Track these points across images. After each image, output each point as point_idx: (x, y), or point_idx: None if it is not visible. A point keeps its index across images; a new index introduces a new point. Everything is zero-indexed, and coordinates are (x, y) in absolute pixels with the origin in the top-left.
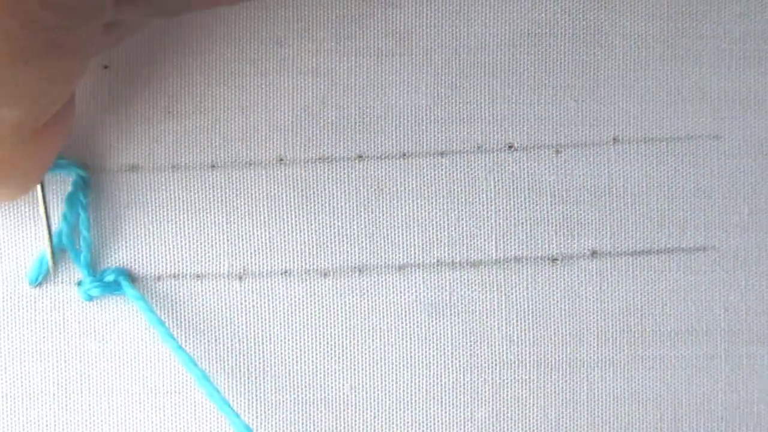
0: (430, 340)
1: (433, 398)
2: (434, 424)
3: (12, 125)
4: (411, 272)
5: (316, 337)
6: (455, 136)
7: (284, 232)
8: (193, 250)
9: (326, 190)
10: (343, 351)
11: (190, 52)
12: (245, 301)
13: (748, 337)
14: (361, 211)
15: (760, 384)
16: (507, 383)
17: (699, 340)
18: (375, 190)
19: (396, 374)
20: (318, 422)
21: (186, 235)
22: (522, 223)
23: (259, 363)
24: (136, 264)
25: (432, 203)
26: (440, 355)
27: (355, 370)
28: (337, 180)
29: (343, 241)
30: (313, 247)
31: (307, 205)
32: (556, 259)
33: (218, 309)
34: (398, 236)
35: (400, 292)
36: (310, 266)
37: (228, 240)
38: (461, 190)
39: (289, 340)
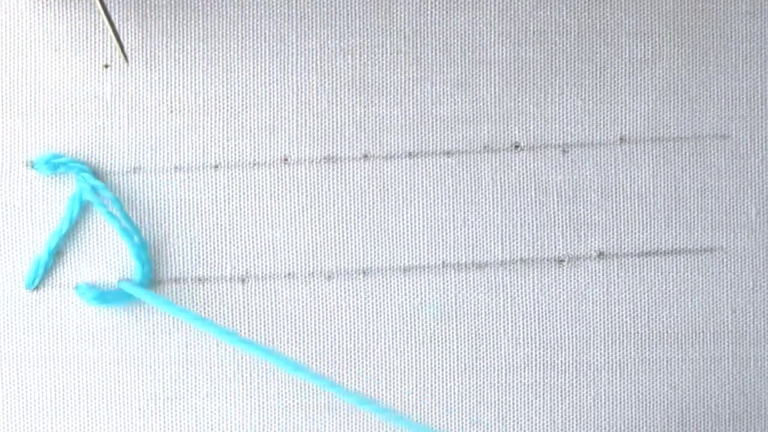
0: (435, 343)
1: (439, 401)
2: (440, 426)
3: None
4: (416, 274)
5: (320, 340)
6: (461, 135)
7: (288, 234)
8: (195, 253)
9: (331, 190)
10: (347, 354)
11: (192, 51)
12: (248, 304)
13: (755, 338)
14: (365, 212)
15: (767, 386)
16: (513, 385)
17: (706, 342)
18: (380, 190)
19: (401, 377)
20: (322, 426)
21: (188, 237)
22: (528, 224)
23: (263, 367)
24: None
25: (438, 203)
26: (446, 358)
27: (359, 373)
28: (342, 180)
29: (347, 242)
30: (317, 248)
31: (311, 206)
32: (563, 261)
33: (221, 313)
34: (403, 237)
35: (406, 295)
36: (314, 268)
37: (231, 242)
38: (467, 190)
39: (292, 343)
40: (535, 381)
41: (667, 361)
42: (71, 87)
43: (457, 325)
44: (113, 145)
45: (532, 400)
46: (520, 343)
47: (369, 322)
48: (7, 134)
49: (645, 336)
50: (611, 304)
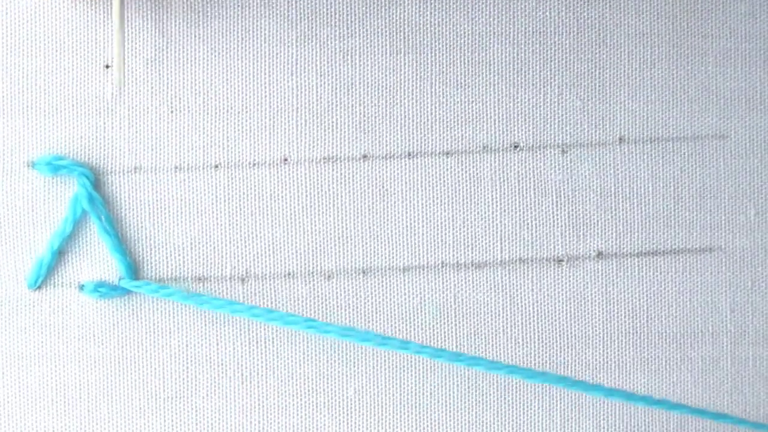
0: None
1: (439, 400)
2: (440, 426)
3: None
4: (415, 274)
5: (319, 339)
6: (460, 135)
7: (288, 234)
8: (195, 252)
9: (331, 190)
10: (347, 353)
11: (192, 51)
12: (248, 303)
13: (754, 338)
14: (365, 212)
15: (766, 386)
16: (512, 385)
17: (705, 342)
18: (380, 190)
19: (400, 377)
20: (322, 425)
21: (188, 236)
22: (527, 224)
23: (263, 366)
24: (137, 266)
25: (437, 203)
26: None
27: (359, 372)
28: (342, 180)
29: (347, 242)
30: (316, 248)
31: (311, 206)
32: (562, 260)
33: (220, 313)
34: (403, 237)
35: (405, 294)
36: (313, 268)
37: (231, 241)
38: (466, 190)
39: (292, 342)
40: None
41: (666, 361)
42: (71, 87)
43: (456, 325)
44: (113, 145)
45: (531, 400)
46: (519, 342)
47: (368, 322)
48: (8, 134)
49: (644, 336)
50: (610, 304)
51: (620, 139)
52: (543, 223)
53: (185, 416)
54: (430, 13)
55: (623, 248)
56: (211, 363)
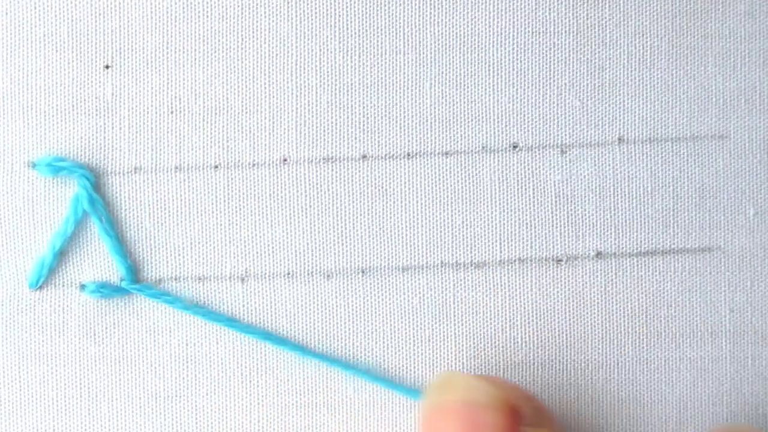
0: (434, 342)
1: None
2: None
3: None
4: (415, 274)
5: (319, 339)
6: (460, 135)
7: (287, 234)
8: (195, 252)
9: (330, 190)
10: (346, 353)
11: (192, 52)
12: (248, 303)
13: (753, 338)
14: (364, 212)
15: (765, 385)
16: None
17: (704, 341)
18: (379, 190)
19: (400, 377)
20: (323, 425)
21: (188, 236)
22: (526, 224)
23: (262, 366)
24: (137, 266)
25: (436, 203)
26: (444, 357)
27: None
28: (341, 180)
29: (346, 242)
30: (316, 248)
31: (310, 206)
32: (561, 260)
33: (220, 311)
34: (402, 237)
35: (404, 294)
36: (313, 268)
37: (230, 241)
38: (466, 190)
39: (292, 342)
40: (534, 380)
41: (665, 361)
42: (71, 87)
43: (455, 325)
44: (113, 145)
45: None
46: (518, 342)
47: (368, 322)
48: (8, 134)
49: (643, 335)
50: (609, 304)
51: (619, 139)
52: (542, 223)
53: (185, 416)
54: (431, 12)
55: (622, 248)
56: (211, 363)
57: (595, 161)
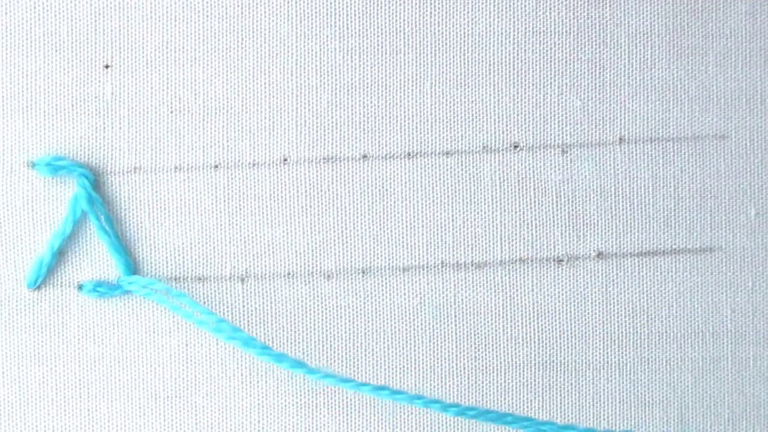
0: (434, 343)
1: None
2: (439, 426)
3: None
4: (415, 274)
5: (319, 339)
6: (460, 135)
7: (287, 234)
8: (195, 252)
9: (330, 190)
10: (346, 354)
11: (192, 51)
12: (247, 303)
13: (754, 338)
14: (365, 212)
15: (766, 386)
16: (512, 385)
17: (705, 342)
18: (379, 190)
19: (400, 377)
20: (323, 426)
21: (188, 237)
22: (527, 224)
23: (262, 366)
24: (137, 266)
25: (437, 203)
26: (445, 357)
27: (359, 372)
28: (342, 180)
29: (346, 242)
30: (316, 248)
31: (310, 206)
32: (562, 260)
33: (220, 312)
34: (402, 237)
35: (405, 294)
36: (313, 268)
37: (230, 242)
38: (466, 190)
39: (292, 343)
40: (535, 381)
41: (666, 361)
42: (71, 87)
43: (456, 325)
44: (113, 145)
45: (531, 400)
46: (519, 342)
47: (368, 322)
48: (8, 134)
49: (644, 336)
50: (610, 304)
51: (620, 139)
52: (543, 223)
53: (185, 416)
54: (431, 12)
55: (623, 248)
56: (211, 363)
57: (596, 161)
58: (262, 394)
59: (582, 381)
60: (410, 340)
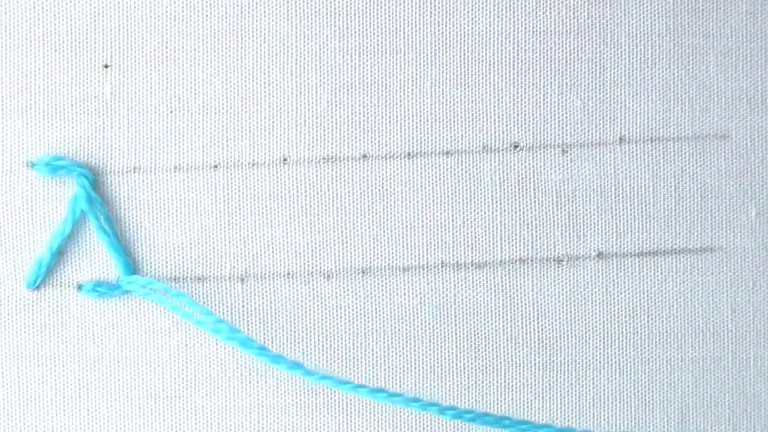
0: (434, 343)
1: (439, 401)
2: (439, 427)
3: None
4: (415, 274)
5: (319, 340)
6: (460, 135)
7: (287, 234)
8: (194, 252)
9: (330, 190)
10: (346, 354)
11: (192, 51)
12: (247, 303)
13: (755, 338)
14: (365, 212)
15: (767, 386)
16: (512, 385)
17: (706, 342)
18: (379, 190)
19: (400, 377)
20: (322, 425)
21: (188, 236)
22: (527, 224)
23: (262, 366)
24: (136, 266)
25: (437, 203)
26: (445, 358)
27: (358, 373)
28: (341, 180)
29: (346, 242)
30: (316, 248)
31: (310, 206)
32: (562, 260)
33: (220, 312)
34: (402, 237)
35: (405, 294)
36: (313, 268)
37: (230, 241)
38: (466, 190)
39: (291, 343)
40: (535, 381)
41: (666, 361)
42: (71, 87)
43: (456, 325)
44: (113, 144)
45: (531, 400)
46: (519, 342)
47: (368, 322)
48: (7, 134)
49: (644, 336)
50: (610, 304)
51: (621, 138)
52: (543, 223)
53: (185, 416)
54: (431, 12)
55: (623, 248)
56: (210, 363)
57: (596, 161)
58: (261, 394)
59: (582, 381)
60: (410, 340)
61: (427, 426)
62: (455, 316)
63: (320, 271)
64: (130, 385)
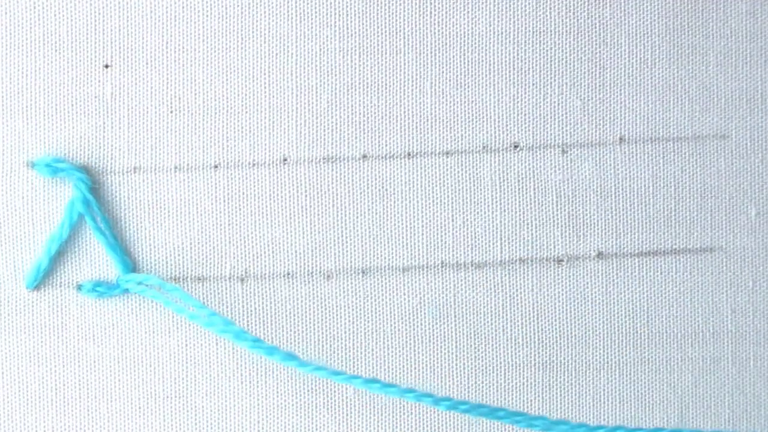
0: (434, 343)
1: None
2: (439, 427)
3: None
4: (415, 274)
5: (318, 340)
6: (460, 135)
7: (287, 234)
8: (194, 252)
9: (330, 190)
10: (346, 354)
11: (192, 51)
12: (247, 303)
13: (755, 338)
14: (365, 212)
15: (767, 386)
16: (512, 385)
17: (705, 342)
18: (379, 190)
19: (400, 377)
20: (322, 425)
21: (188, 237)
22: (527, 224)
23: (262, 366)
24: (136, 266)
25: (437, 203)
26: (445, 358)
27: (358, 372)
28: (341, 180)
29: (346, 242)
30: (316, 248)
31: (310, 206)
32: (562, 261)
33: (220, 312)
34: (402, 237)
35: (404, 294)
36: (313, 268)
37: (230, 241)
38: (466, 190)
39: (291, 343)
40: (535, 381)
41: (666, 361)
42: (71, 87)
43: (456, 325)
44: (113, 144)
45: (531, 400)
46: (519, 343)
47: (368, 322)
48: (7, 134)
49: (644, 336)
50: (610, 304)
51: (620, 138)
52: (543, 223)
53: (184, 416)
54: (431, 12)
55: (623, 248)
56: (210, 363)
57: (596, 161)
58: (261, 393)
59: (582, 381)
60: (410, 340)
61: (427, 426)
62: (455, 317)
63: (320, 272)
64: (130, 385)
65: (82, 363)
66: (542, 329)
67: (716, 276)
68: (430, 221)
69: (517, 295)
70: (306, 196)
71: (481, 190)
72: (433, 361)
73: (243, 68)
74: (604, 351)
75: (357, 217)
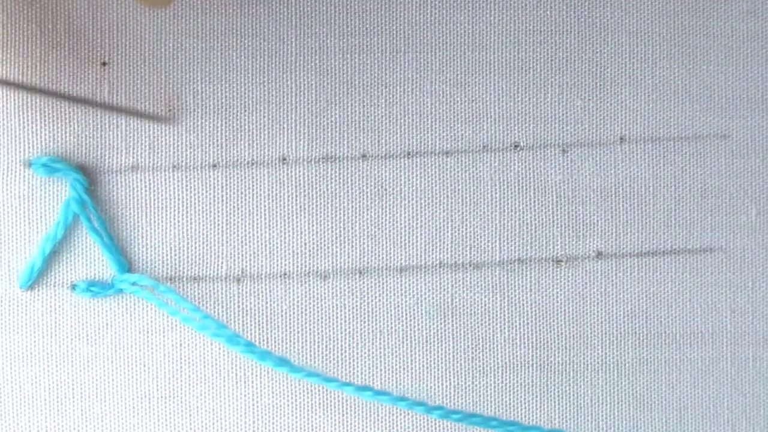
0: (432, 343)
1: (436, 402)
2: (436, 427)
3: None
4: (413, 274)
5: (315, 340)
6: (460, 135)
7: (284, 233)
8: (191, 252)
9: (329, 190)
10: (343, 355)
11: (191, 49)
12: (243, 304)
13: (754, 339)
14: (363, 212)
15: (766, 387)
16: (510, 386)
17: (705, 343)
18: (378, 190)
19: (397, 378)
20: (318, 425)
21: (185, 236)
22: (527, 224)
23: (256, 367)
24: (132, 266)
25: (436, 203)
26: (442, 358)
27: (355, 373)
28: (341, 180)
29: (343, 242)
30: (313, 248)
31: (309, 206)
32: (561, 261)
33: (216, 312)
34: (400, 237)
35: (402, 295)
36: (309, 268)
37: (226, 241)
38: (466, 190)
39: (287, 343)
40: (534, 381)
41: (665, 362)
42: (69, 85)
43: (454, 326)
44: (111, 143)
45: (530, 400)
46: (517, 343)
47: (365, 322)
48: (5, 132)
49: (643, 336)
50: (610, 305)
51: (621, 138)
52: (543, 223)
53: (179, 416)
54: (431, 12)
55: (623, 248)
56: (205, 363)
57: (596, 161)
58: (256, 394)
59: (581, 381)
60: (408, 340)
61: (424, 426)
62: (453, 317)
63: (317, 272)
64: (124, 385)
65: (76, 363)
66: (541, 330)
67: (716, 276)
68: (428, 221)
69: (516, 296)
70: (305, 195)
71: (480, 190)
72: (431, 361)
73: (242, 68)
74: (603, 351)
75: (356, 217)
